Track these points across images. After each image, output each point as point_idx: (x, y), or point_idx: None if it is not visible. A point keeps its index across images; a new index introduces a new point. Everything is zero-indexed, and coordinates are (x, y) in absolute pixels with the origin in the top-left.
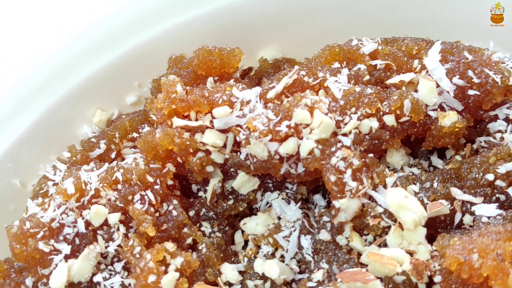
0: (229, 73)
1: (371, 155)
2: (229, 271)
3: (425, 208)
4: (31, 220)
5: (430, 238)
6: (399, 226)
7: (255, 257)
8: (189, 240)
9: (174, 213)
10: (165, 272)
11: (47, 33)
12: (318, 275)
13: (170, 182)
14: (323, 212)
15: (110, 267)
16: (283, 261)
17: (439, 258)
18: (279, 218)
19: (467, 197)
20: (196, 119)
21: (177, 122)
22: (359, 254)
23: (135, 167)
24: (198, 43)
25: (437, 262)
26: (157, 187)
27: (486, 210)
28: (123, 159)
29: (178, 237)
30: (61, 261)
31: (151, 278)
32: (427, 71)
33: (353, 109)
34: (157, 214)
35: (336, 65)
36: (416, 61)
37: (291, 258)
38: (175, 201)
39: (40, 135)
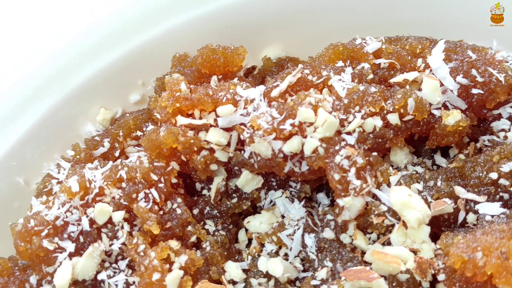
0: (233, 72)
1: (375, 153)
2: (233, 269)
3: (429, 206)
4: (36, 218)
5: (434, 237)
6: (403, 224)
7: (259, 256)
8: (193, 238)
9: (178, 211)
10: (169, 270)
11: (51, 31)
12: (322, 274)
13: (174, 181)
14: (327, 210)
15: (114, 265)
16: (287, 260)
17: (443, 256)
18: (283, 217)
19: (471, 196)
20: (200, 118)
21: (181, 120)
22: (363, 253)
23: (139, 165)
24: (202, 41)
25: (441, 261)
26: (161, 185)
27: (490, 208)
28: (127, 157)
29: (182, 235)
30: (65, 259)
31: (156, 276)
32: (430, 70)
33: (357, 108)
34: (161, 212)
35: (340, 63)
36: (419, 60)
37: (295, 257)
38: (179, 199)
39: (44, 134)
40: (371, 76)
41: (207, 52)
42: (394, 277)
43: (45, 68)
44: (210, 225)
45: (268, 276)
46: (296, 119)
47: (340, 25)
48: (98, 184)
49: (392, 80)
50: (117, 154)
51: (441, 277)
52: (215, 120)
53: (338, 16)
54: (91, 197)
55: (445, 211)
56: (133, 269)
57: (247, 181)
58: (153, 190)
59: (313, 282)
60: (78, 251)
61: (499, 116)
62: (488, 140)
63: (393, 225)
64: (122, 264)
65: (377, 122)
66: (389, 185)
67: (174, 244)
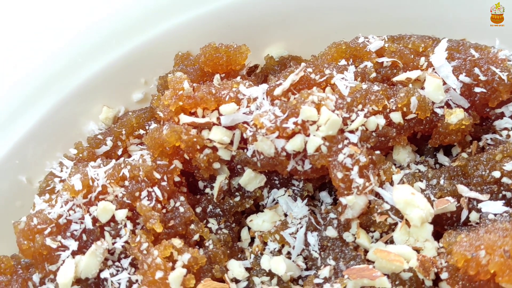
0: (236, 70)
1: (377, 152)
2: (236, 268)
3: (432, 205)
4: (39, 216)
5: (437, 235)
6: (405, 223)
7: (262, 254)
8: (196, 237)
9: (181, 209)
10: (172, 268)
11: (53, 30)
12: (324, 272)
13: (177, 179)
14: (329, 209)
15: (117, 263)
16: (289, 258)
17: (446, 255)
18: (286, 215)
19: (474, 194)
20: (203, 116)
21: (184, 119)
22: (366, 251)
23: (142, 163)
24: (204, 40)
25: (444, 259)
26: (164, 183)
27: (493, 207)
28: (129, 156)
29: (185, 234)
30: (68, 257)
31: (159, 274)
32: (433, 69)
33: (360, 106)
34: (164, 211)
35: (343, 62)
36: (422, 59)
37: (298, 255)
38: (182, 198)
39: (47, 132)
40: (374, 74)
41: (210, 50)
42: (397, 276)
43: (47, 67)
44: (213, 224)
45: (271, 274)
46: (299, 118)
47: (342, 23)
48: (101, 182)
49: (395, 79)
50: (119, 152)
51: (444, 275)
52: (218, 118)
53: (340, 15)
54: (94, 195)
55: (448, 210)
56: (136, 267)
57: (250, 180)
58: (156, 189)
59: (316, 281)
60: (81, 249)
61: (501, 115)
62: (491, 138)
63: (396, 224)
64: (125, 263)
65: (380, 120)
66: (392, 183)
67: (177, 242)
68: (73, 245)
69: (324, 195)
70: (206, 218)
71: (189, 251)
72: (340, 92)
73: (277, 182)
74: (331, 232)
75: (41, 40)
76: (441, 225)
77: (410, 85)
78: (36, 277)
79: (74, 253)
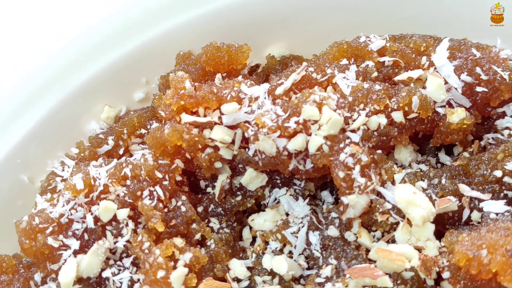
0: (237, 70)
1: (379, 151)
2: (238, 267)
3: (433, 204)
4: (40, 216)
5: (438, 235)
6: (407, 222)
7: (263, 253)
8: (197, 236)
9: (183, 209)
10: (174, 267)
11: (55, 29)
12: (326, 271)
13: (178, 178)
14: (331, 208)
15: (119, 262)
16: (291, 257)
17: (447, 254)
18: (287, 214)
19: (475, 194)
20: (205, 115)
21: (186, 118)
22: (368, 250)
23: (144, 163)
24: (206, 40)
25: (445, 258)
26: (165, 183)
27: (494, 206)
28: (131, 155)
29: (186, 233)
30: (70, 256)
31: (160, 274)
32: (435, 68)
33: (362, 106)
34: (165, 210)
35: (344, 61)
36: (424, 58)
37: (299, 254)
38: (183, 197)
39: (48, 131)
40: (375, 74)
41: (212, 50)
42: (399, 275)
43: (48, 67)
44: (214, 223)
45: (272, 273)
46: (301, 117)
47: (344, 23)
48: (103, 181)
49: (396, 78)
50: (121, 152)
51: (445, 274)
52: (220, 118)
53: (342, 14)
54: (95, 194)
55: (449, 209)
56: (137, 266)
57: (252, 179)
58: (157, 188)
59: (318, 280)
60: (83, 249)
61: (503, 114)
62: (493, 138)
63: (397, 223)
64: (127, 262)
65: (382, 120)
66: (393, 183)
67: (179, 241)
68: (74, 244)
69: (325, 195)
70: (208, 218)
71: (190, 251)
72: (342, 92)
73: (278, 181)
74: (332, 231)
75: (42, 40)
76: (443, 224)
77: (412, 85)
78: (37, 276)
79: (75, 252)
